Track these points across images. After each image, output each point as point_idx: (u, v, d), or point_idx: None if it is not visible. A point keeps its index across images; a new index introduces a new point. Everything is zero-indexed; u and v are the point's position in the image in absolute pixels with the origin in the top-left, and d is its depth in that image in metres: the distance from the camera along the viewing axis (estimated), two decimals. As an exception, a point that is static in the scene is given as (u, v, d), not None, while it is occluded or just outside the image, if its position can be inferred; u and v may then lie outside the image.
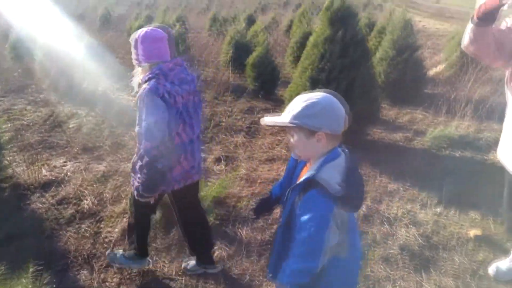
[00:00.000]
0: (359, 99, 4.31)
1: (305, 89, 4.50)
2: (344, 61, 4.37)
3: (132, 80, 2.24)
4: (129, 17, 21.67)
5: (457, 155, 4.54)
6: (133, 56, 2.15)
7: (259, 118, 6.05)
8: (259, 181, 3.95)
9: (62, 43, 7.99)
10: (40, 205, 3.59)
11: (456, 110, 5.53)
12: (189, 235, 2.52)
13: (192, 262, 2.64)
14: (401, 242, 2.93)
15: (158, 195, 2.26)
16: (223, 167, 4.32)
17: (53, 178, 4.04)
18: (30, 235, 3.10)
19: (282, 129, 5.54)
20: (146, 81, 2.06)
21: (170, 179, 2.17)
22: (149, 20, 17.18)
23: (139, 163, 2.08)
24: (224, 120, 5.91)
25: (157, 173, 2.02)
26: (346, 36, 4.41)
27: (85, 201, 3.61)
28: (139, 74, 2.18)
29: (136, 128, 2.12)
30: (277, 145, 4.98)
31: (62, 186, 3.91)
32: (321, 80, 4.38)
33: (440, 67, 8.23)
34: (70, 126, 5.77)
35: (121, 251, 2.71)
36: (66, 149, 4.87)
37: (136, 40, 2.10)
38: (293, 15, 20.87)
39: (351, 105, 1.48)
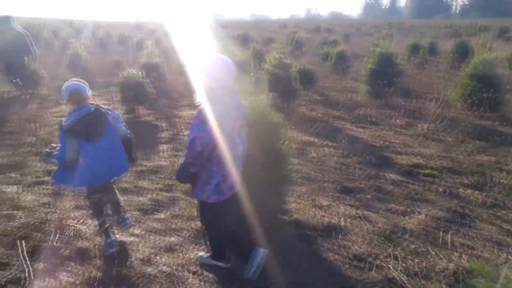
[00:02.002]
0: None
1: None
2: None
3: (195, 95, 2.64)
4: (318, 41, 22.33)
5: None
6: (201, 74, 2.56)
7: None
8: None
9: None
10: (332, 256, 3.15)
11: None
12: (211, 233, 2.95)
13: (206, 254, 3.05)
14: None
15: (219, 206, 2.73)
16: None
17: (334, 223, 3.61)
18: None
19: None
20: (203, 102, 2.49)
21: (224, 189, 2.63)
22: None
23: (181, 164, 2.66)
24: (502, 177, 4.66)
25: (188, 173, 2.60)
26: None
27: (387, 266, 2.98)
28: (200, 94, 2.56)
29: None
30: None
31: (347, 236, 3.42)
32: None
33: None
34: (313, 154, 5.52)
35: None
36: (321, 183, 4.51)
37: (209, 62, 2.54)
38: None
39: None
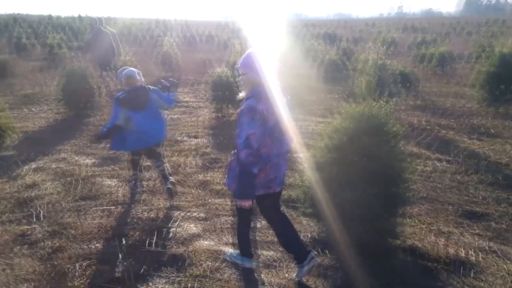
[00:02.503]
0: None
1: None
2: None
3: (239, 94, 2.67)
4: (412, 42, 20.83)
5: None
6: (247, 70, 2.52)
7: None
8: None
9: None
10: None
11: None
12: (280, 238, 2.89)
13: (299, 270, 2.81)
14: None
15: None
16: None
17: (462, 256, 3.05)
18: None
19: None
20: (248, 99, 2.50)
21: (255, 185, 2.53)
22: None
23: (238, 169, 2.51)
24: None
25: (250, 177, 2.44)
26: None
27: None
28: (245, 90, 2.59)
29: (236, 139, 2.47)
30: None
31: (481, 275, 2.85)
32: None
33: None
34: (423, 168, 4.90)
35: (231, 250, 3.12)
36: (438, 204, 3.92)
37: (255, 58, 2.50)
38: None
39: None
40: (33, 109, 8.07)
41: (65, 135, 6.31)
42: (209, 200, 4.09)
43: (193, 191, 4.30)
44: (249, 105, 2.42)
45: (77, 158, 5.34)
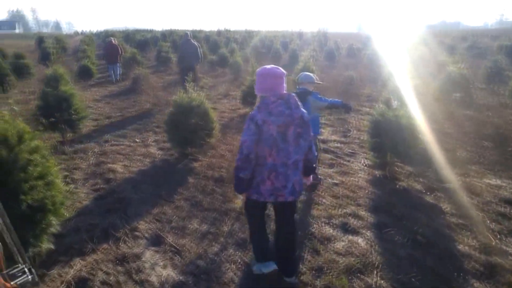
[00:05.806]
0: None
1: None
2: None
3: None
4: None
5: None
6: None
7: None
8: None
9: None
10: None
11: None
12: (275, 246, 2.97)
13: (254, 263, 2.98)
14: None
15: (261, 204, 2.75)
16: None
17: None
18: None
19: None
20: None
21: (263, 191, 2.62)
22: None
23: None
24: None
25: (239, 179, 2.56)
26: None
27: None
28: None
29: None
30: None
31: None
32: None
33: None
34: None
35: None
36: None
37: (258, 74, 2.69)
38: None
39: None
40: (137, 140, 6.48)
41: (154, 195, 4.30)
42: None
43: None
44: (250, 114, 2.56)
45: (146, 258, 3.14)
